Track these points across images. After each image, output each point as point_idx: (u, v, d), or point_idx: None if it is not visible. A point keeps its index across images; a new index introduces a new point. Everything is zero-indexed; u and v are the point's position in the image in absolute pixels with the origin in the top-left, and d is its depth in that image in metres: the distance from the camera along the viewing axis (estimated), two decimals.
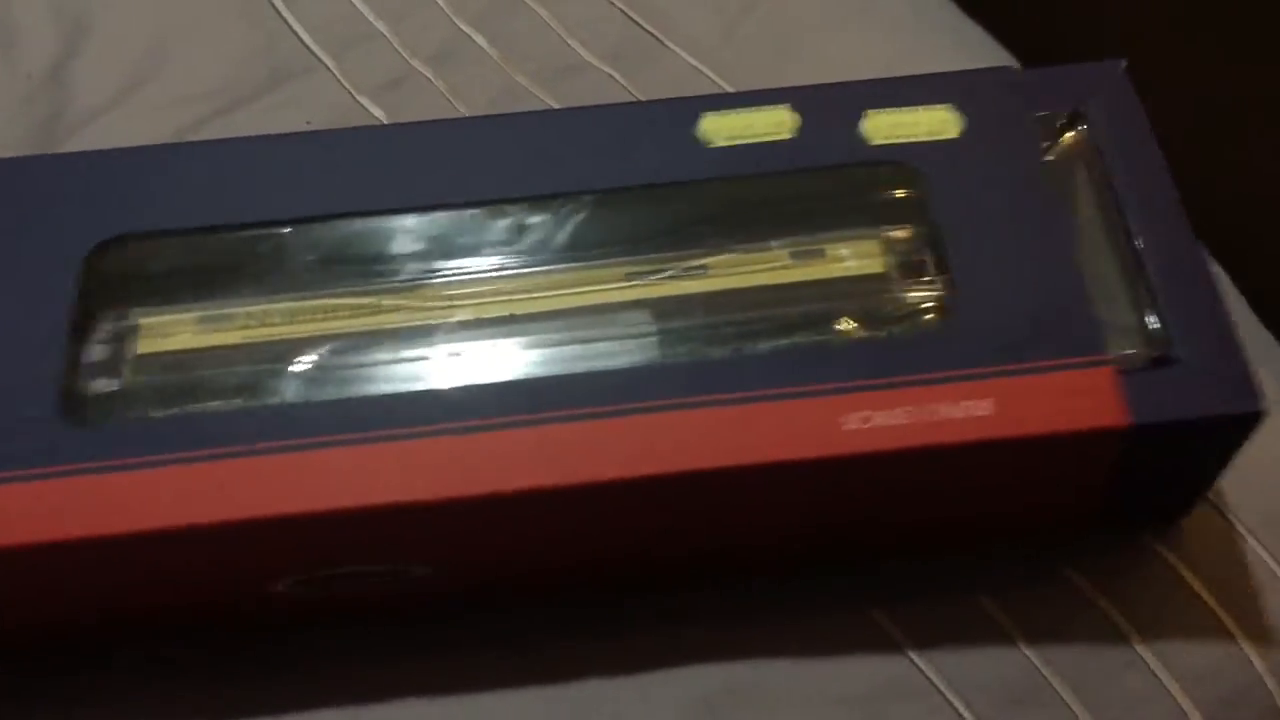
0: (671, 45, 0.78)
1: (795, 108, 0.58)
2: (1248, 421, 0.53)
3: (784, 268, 0.59)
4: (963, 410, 0.52)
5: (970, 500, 0.57)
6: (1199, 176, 0.62)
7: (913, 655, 0.59)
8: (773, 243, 0.59)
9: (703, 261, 0.59)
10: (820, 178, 0.59)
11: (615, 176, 0.58)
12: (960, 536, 0.60)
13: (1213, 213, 0.62)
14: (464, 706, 0.58)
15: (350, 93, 0.77)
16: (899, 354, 0.54)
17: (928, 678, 0.58)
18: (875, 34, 0.78)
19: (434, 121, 0.62)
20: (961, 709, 0.58)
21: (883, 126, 0.58)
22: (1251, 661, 0.60)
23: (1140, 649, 0.59)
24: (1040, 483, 0.56)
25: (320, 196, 0.58)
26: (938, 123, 0.58)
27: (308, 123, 0.75)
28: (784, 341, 0.57)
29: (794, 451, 0.52)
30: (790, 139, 0.58)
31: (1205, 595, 0.61)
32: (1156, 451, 0.54)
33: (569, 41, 0.79)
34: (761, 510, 0.55)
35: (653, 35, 0.79)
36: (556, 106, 0.75)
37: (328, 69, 0.78)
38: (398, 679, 0.58)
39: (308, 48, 0.79)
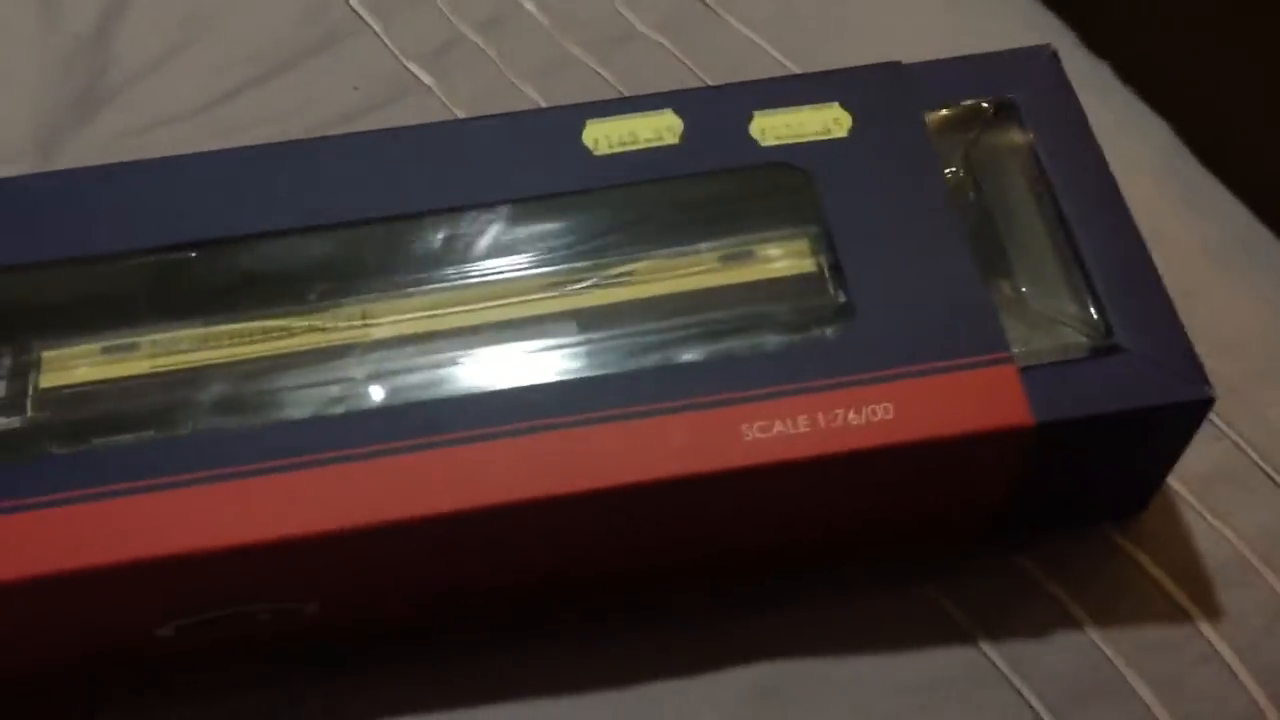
0: (726, 16, 0.77)
1: (679, 112, 0.57)
2: (1197, 409, 0.53)
3: (710, 271, 0.58)
4: (864, 416, 0.51)
5: (886, 503, 0.57)
6: None
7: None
8: (701, 245, 0.59)
9: (628, 268, 0.58)
10: (727, 181, 0.58)
11: (500, 189, 0.57)
12: (877, 539, 0.59)
13: None
14: None
15: (398, 57, 0.76)
16: (800, 360, 0.53)
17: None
18: (935, 5, 0.77)
19: (324, 138, 0.61)
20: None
21: (771, 127, 0.57)
22: None
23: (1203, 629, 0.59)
24: (950, 483, 0.56)
25: (223, 218, 0.56)
26: (827, 122, 0.57)
27: (355, 89, 0.74)
28: (716, 347, 0.56)
29: (691, 466, 0.51)
30: (677, 144, 0.57)
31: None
32: (1092, 443, 0.54)
33: (621, 10, 0.77)
34: (666, 526, 0.55)
35: (707, 5, 0.78)
36: (608, 76, 0.75)
37: (375, 33, 0.77)
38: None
39: (355, 11, 0.77)
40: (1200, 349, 0.54)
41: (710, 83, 0.74)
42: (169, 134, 0.73)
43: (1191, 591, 0.60)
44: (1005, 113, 0.59)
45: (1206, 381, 0.53)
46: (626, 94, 0.73)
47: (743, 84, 0.59)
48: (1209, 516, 0.62)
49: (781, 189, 0.57)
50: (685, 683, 0.57)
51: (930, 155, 0.57)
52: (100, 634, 0.53)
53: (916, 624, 0.59)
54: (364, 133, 0.59)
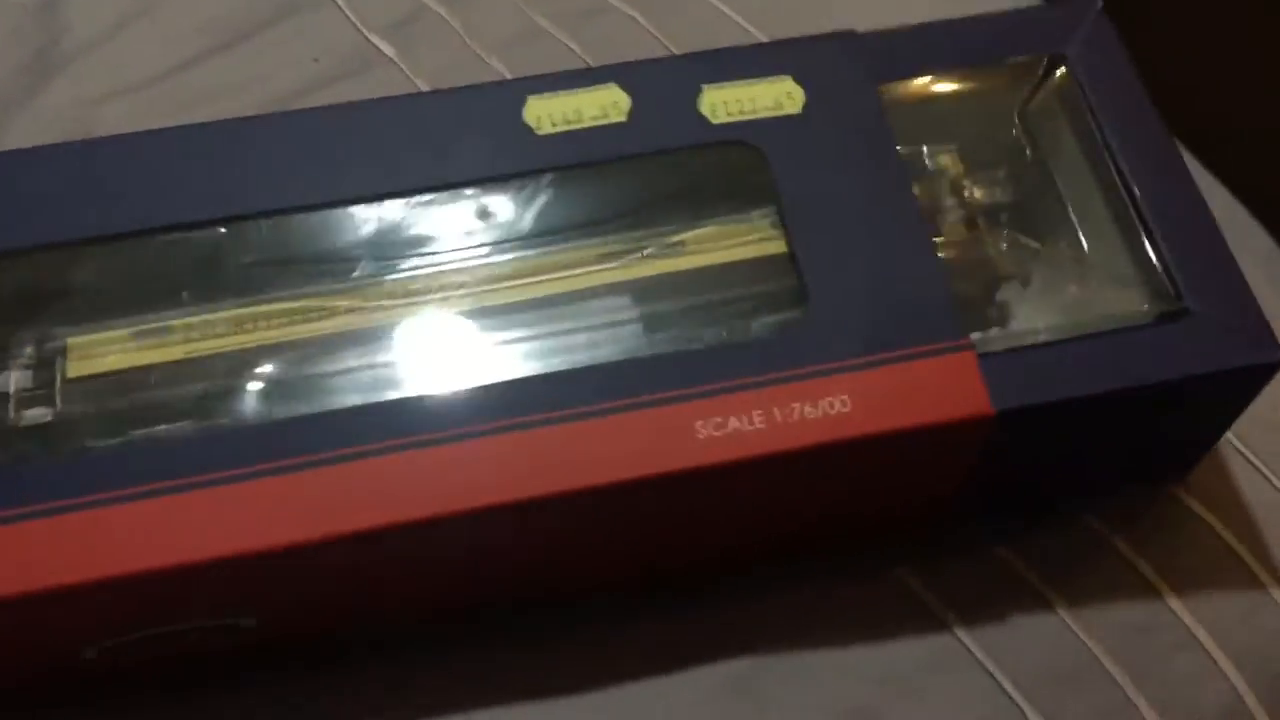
0: None
1: (625, 87, 0.54)
2: (1266, 371, 0.52)
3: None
4: (820, 409, 0.49)
5: (849, 495, 0.55)
6: None
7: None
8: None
9: (680, 238, 0.56)
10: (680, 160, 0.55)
11: (434, 174, 0.53)
12: (845, 530, 0.57)
13: None
14: None
15: (360, 29, 0.73)
16: (755, 352, 0.51)
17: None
18: None
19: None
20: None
21: (722, 103, 0.54)
22: None
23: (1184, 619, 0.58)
24: (913, 472, 0.54)
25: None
26: (780, 96, 0.55)
27: (315, 61, 0.71)
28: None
29: (642, 467, 0.49)
30: (624, 122, 0.54)
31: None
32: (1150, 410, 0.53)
33: None
34: (618, 529, 0.53)
35: None
36: (577, 49, 0.72)
37: (335, 4, 0.74)
38: None
39: None
40: None
41: None
42: (123, 105, 0.70)
43: (1170, 576, 0.59)
44: (1058, 69, 0.58)
45: (1276, 344, 0.52)
46: (594, 65, 0.71)
47: (691, 55, 0.56)
48: (1187, 500, 0.61)
49: (737, 168, 0.54)
50: (658, 681, 0.56)
51: (886, 131, 0.54)
52: (22, 656, 0.51)
53: (891, 612, 0.57)
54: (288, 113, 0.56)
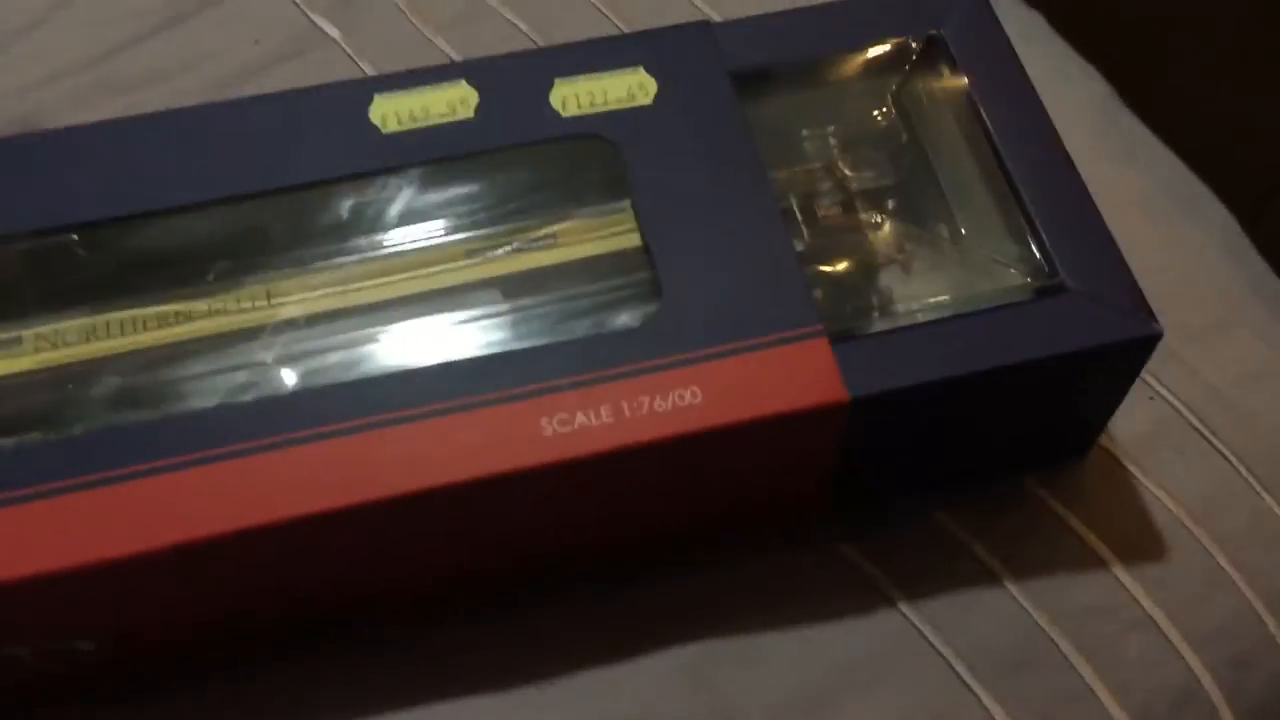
0: None
1: (474, 83, 0.54)
2: (1144, 346, 0.52)
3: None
4: (670, 402, 0.48)
5: (724, 486, 0.54)
6: None
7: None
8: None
9: (548, 230, 0.55)
10: (533, 154, 0.55)
11: (278, 175, 0.53)
12: (718, 523, 0.56)
13: None
14: None
15: (301, 8, 0.72)
16: (611, 346, 0.50)
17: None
18: None
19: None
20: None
21: (573, 96, 0.54)
22: None
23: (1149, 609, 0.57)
24: (775, 461, 0.53)
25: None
26: (631, 88, 0.54)
27: (256, 42, 0.70)
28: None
29: (487, 466, 0.48)
30: (471, 119, 0.53)
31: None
32: (1034, 388, 0.53)
33: None
34: (468, 528, 0.51)
35: None
36: (524, 27, 0.72)
37: None
38: None
39: None
40: None
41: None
42: (56, 91, 0.69)
43: (1124, 556, 0.58)
44: (933, 51, 0.57)
45: (1153, 317, 0.51)
46: (542, 45, 0.70)
47: (541, 50, 0.57)
48: (1143, 479, 0.60)
49: (591, 162, 0.54)
50: (610, 670, 0.55)
51: (739, 121, 0.53)
52: None
53: (839, 592, 0.57)
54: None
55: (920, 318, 0.52)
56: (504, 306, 0.54)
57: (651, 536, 0.55)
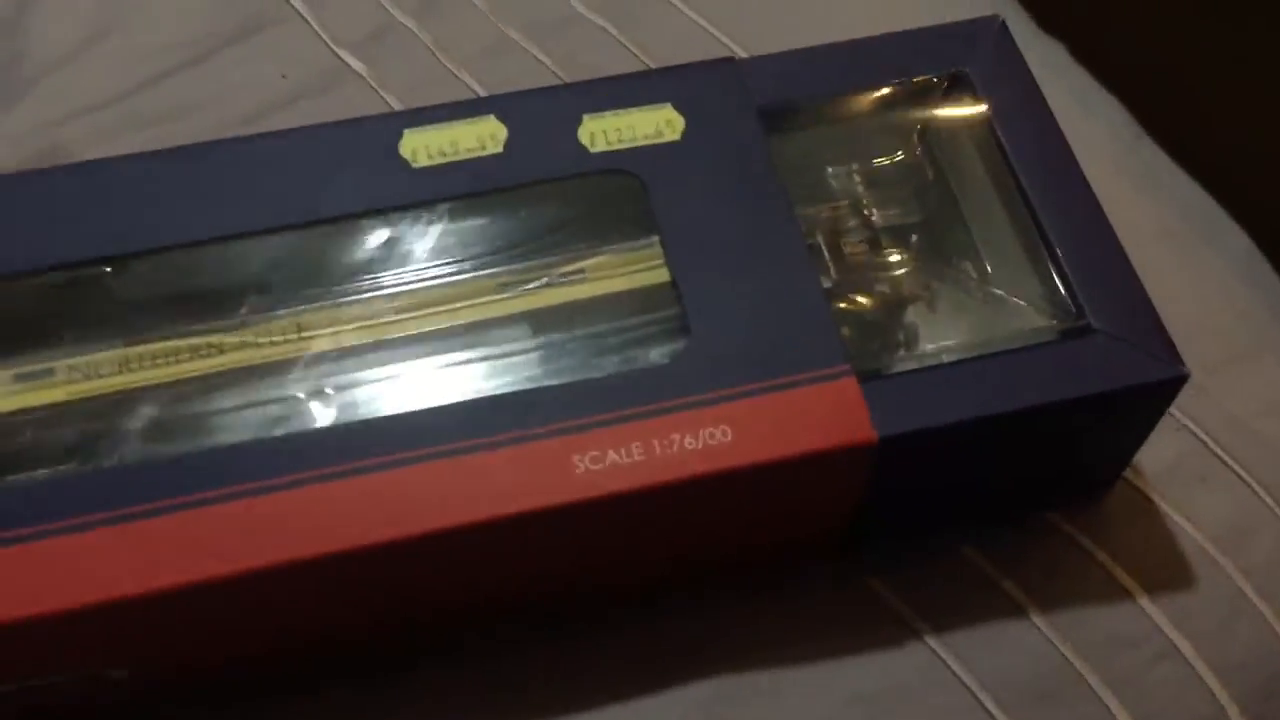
0: None
1: (503, 118, 0.54)
2: (1170, 387, 0.52)
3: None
4: (701, 440, 0.48)
5: (751, 524, 0.54)
6: None
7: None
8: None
9: (578, 265, 0.55)
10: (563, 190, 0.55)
11: (308, 209, 0.53)
12: (747, 558, 0.56)
13: None
14: None
15: (328, 44, 0.72)
16: (642, 383, 0.50)
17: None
18: None
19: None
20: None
21: (601, 132, 0.54)
22: None
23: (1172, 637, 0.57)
24: (805, 500, 0.53)
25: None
26: (659, 124, 0.54)
27: (284, 77, 0.71)
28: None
29: (520, 503, 0.48)
30: (500, 153, 0.53)
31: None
32: (1056, 428, 0.53)
33: None
34: (497, 564, 0.52)
35: None
36: (548, 62, 0.72)
37: (303, 19, 0.73)
38: None
39: None
40: None
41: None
42: (87, 125, 0.70)
43: (1150, 587, 0.58)
44: (958, 87, 0.57)
45: (1179, 359, 0.51)
46: (567, 79, 0.71)
47: (571, 85, 0.56)
48: (1167, 509, 0.60)
49: (619, 197, 0.54)
50: (632, 705, 0.55)
51: (766, 157, 0.53)
52: None
53: (865, 626, 0.57)
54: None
55: (946, 358, 0.52)
56: (533, 342, 0.54)
57: (679, 571, 0.55)
